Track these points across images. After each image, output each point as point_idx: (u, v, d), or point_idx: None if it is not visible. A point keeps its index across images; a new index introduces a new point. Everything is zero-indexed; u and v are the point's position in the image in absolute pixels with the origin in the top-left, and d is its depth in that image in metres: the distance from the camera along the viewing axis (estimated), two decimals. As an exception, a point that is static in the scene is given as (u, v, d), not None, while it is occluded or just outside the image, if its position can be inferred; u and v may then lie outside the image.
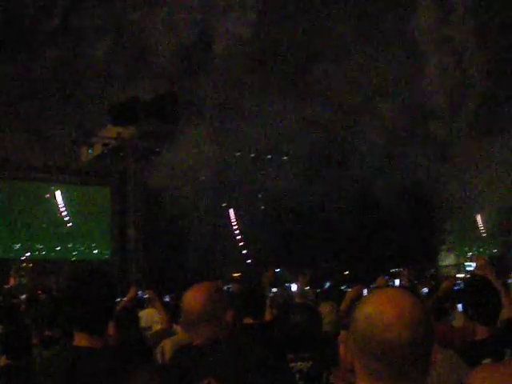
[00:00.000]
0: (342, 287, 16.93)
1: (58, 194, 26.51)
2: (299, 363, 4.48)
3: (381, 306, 1.99)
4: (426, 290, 10.88)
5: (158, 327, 8.86)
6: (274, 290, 15.52)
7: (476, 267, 5.46)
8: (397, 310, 1.96)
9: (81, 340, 3.07)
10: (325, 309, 7.22)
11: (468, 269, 26.64)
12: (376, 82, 20.53)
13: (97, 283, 3.12)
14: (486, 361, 4.00)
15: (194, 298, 3.39)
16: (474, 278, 5.53)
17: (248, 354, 3.35)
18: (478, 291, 4.59)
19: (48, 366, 3.33)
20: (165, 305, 10.30)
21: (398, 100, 20.56)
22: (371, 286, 11.49)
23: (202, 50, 20.22)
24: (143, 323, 8.25)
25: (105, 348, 3.13)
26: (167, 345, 5.64)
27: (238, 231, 30.19)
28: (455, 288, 7.58)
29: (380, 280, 8.01)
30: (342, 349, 2.12)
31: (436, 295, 6.57)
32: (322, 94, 20.27)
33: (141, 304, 11.06)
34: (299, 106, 20.57)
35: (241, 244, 30.24)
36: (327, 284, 20.40)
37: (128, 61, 20.08)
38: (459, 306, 6.95)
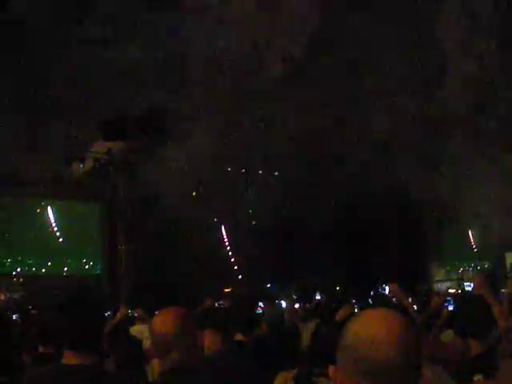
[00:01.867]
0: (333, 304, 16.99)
1: (48, 208, 26.47)
2: (322, 379, 4.46)
3: (369, 325, 2.00)
4: (415, 307, 10.86)
5: (148, 343, 8.84)
6: (261, 304, 15.53)
7: (474, 287, 5.48)
8: (385, 329, 1.97)
9: (70, 358, 3.05)
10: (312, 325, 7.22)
11: (467, 289, 26.69)
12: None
13: (87, 301, 3.10)
14: (478, 377, 3.99)
15: (163, 323, 3.37)
16: (465, 295, 5.58)
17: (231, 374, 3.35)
18: (469, 308, 4.59)
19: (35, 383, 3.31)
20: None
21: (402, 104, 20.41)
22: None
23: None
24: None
25: (93, 365, 3.11)
26: (156, 365, 5.61)
27: (228, 246, 30.17)
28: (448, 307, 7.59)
29: (392, 286, 7.91)
30: (331, 369, 2.09)
31: (426, 312, 6.58)
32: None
33: (130, 321, 11.05)
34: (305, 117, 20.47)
35: (232, 260, 30.22)
36: (317, 297, 20.44)
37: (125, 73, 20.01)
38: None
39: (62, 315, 3.11)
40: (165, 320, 3.31)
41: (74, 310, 3.05)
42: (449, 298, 14.27)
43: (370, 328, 1.98)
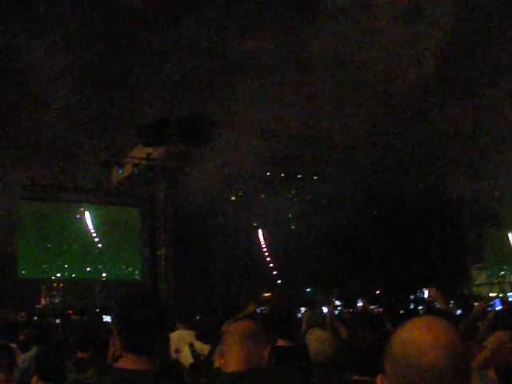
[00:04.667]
0: (373, 307, 16.89)
1: (88, 214, 26.63)
2: None
3: (416, 332, 1.99)
4: (459, 311, 10.75)
5: (186, 349, 8.84)
6: (303, 309, 15.46)
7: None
8: (432, 335, 1.96)
9: (128, 362, 3.00)
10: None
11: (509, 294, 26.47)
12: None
13: (149, 305, 3.07)
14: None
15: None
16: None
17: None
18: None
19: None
20: (194, 323, 10.28)
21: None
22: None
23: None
24: (173, 345, 8.24)
25: (151, 371, 3.07)
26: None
27: (267, 251, 30.12)
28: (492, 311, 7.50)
29: (432, 292, 7.83)
30: (379, 378, 2.08)
31: (470, 317, 6.49)
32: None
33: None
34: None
35: (271, 265, 30.18)
36: (359, 303, 20.32)
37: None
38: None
39: (125, 318, 3.07)
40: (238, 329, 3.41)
41: (139, 313, 3.01)
42: (492, 303, 14.10)
43: (417, 336, 1.97)
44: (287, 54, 19.29)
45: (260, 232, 30.05)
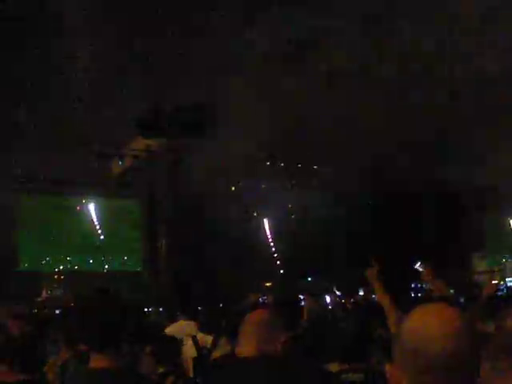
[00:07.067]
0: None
1: (88, 206, 26.64)
2: (351, 374, 4.45)
3: (424, 320, 2.01)
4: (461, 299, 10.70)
5: (189, 340, 8.81)
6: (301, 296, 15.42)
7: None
8: (440, 322, 1.98)
9: (95, 361, 2.98)
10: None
11: (509, 284, 26.41)
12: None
13: (103, 302, 3.02)
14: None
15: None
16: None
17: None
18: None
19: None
20: (195, 314, 10.27)
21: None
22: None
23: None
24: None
25: (118, 369, 3.05)
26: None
27: (271, 241, 30.09)
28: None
29: (427, 272, 7.75)
30: (388, 366, 2.09)
31: (480, 302, 6.47)
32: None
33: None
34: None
35: (275, 255, 30.16)
36: (361, 292, 20.34)
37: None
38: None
39: (80, 316, 3.04)
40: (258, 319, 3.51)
41: (90, 311, 2.98)
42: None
43: (424, 324, 1.98)
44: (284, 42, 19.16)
45: (265, 221, 30.00)
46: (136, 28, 18.57)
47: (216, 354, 6.85)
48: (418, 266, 7.80)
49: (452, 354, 1.93)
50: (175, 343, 6.92)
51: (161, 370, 5.80)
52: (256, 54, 18.86)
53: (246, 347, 3.46)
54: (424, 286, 24.05)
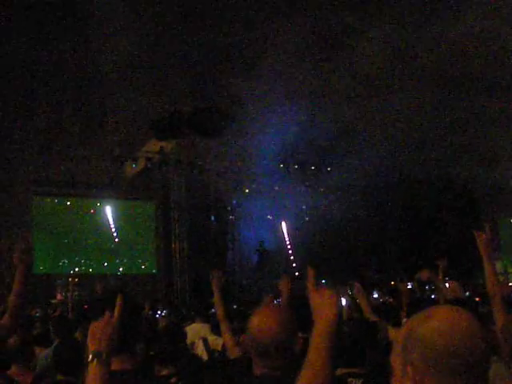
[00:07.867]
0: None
1: (103, 209, 26.66)
2: (351, 379, 4.40)
3: (449, 319, 2.03)
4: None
5: (200, 343, 8.75)
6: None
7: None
8: (465, 323, 2.01)
9: (113, 364, 2.93)
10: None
11: None
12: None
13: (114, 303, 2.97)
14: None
15: (266, 324, 3.28)
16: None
17: None
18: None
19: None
20: (210, 316, 10.21)
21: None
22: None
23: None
24: (188, 338, 8.17)
25: (135, 371, 3.02)
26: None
27: (289, 244, 29.96)
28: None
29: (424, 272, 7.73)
30: (393, 359, 2.11)
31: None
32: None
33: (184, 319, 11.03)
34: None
35: (291, 258, 30.07)
36: (375, 294, 20.23)
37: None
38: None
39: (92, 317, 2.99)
40: (269, 321, 3.33)
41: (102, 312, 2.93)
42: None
43: (452, 324, 2.01)
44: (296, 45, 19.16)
45: (283, 224, 29.87)
46: (157, 31, 18.64)
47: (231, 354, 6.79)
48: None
49: (481, 354, 1.98)
50: (181, 345, 6.86)
51: (164, 372, 5.75)
52: (265, 56, 18.89)
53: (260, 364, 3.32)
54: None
